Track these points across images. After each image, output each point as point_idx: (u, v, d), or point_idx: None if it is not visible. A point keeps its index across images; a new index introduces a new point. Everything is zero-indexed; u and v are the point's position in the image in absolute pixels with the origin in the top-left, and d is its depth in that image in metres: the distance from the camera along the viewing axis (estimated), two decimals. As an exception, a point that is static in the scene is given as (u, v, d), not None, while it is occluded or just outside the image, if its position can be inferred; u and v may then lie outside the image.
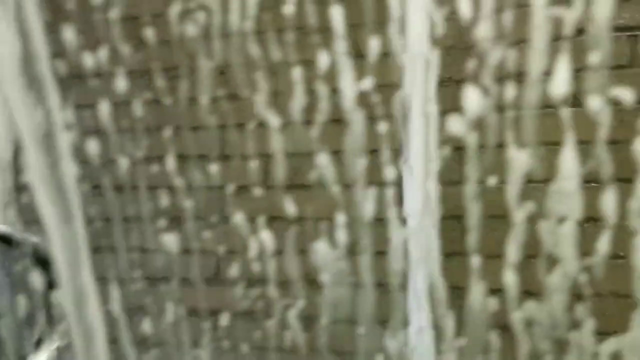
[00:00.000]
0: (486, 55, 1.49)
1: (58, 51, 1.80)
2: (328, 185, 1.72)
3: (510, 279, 1.57)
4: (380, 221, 1.70)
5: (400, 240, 1.68)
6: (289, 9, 1.60)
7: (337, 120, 1.67)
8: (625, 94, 1.41)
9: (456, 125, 1.57)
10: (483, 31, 1.47)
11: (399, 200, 1.68)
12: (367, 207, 1.70)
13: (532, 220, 1.54)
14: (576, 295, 1.51)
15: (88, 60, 1.85)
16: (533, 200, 1.53)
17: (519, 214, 1.54)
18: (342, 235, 1.74)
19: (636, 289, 1.48)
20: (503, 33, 1.47)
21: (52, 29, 1.75)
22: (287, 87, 1.69)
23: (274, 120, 1.73)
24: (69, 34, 1.82)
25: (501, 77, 1.49)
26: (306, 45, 1.65)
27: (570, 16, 1.41)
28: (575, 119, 1.46)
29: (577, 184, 1.48)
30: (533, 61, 1.46)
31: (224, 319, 1.91)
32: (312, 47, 1.64)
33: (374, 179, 1.68)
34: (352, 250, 1.73)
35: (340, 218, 1.73)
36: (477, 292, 1.61)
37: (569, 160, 1.47)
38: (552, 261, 1.53)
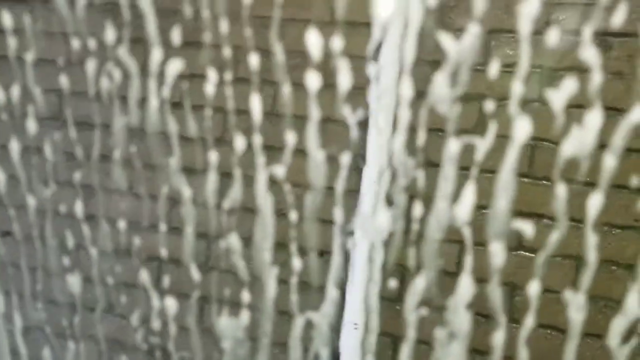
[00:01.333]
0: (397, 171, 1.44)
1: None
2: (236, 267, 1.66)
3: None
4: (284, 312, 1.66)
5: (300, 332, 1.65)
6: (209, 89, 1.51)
7: (249, 208, 1.61)
8: (526, 228, 1.38)
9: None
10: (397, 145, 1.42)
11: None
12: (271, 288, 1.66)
13: (427, 326, 1.52)
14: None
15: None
16: (429, 312, 1.51)
17: (412, 326, 1.52)
18: (245, 315, 1.70)
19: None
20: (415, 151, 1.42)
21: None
22: (203, 163, 1.61)
23: (186, 190, 1.65)
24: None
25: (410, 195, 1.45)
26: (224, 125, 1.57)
27: (483, 145, 1.37)
28: (474, 248, 1.43)
29: (467, 315, 1.46)
30: (441, 183, 1.41)
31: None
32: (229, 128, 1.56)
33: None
34: (252, 335, 1.69)
35: (245, 297, 1.69)
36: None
37: (464, 287, 1.45)
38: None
